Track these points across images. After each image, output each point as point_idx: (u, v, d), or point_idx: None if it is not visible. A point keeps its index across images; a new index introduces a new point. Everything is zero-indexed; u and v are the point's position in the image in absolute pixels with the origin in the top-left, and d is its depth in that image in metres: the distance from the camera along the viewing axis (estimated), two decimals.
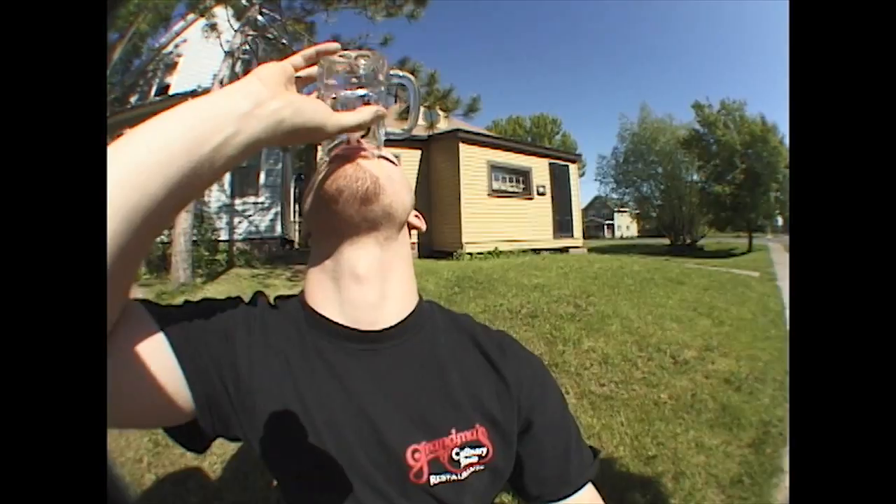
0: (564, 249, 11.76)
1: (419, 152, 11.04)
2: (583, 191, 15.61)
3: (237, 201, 9.88)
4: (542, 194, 12.02)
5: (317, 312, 0.56)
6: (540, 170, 12.15)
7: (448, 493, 0.51)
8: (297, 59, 0.50)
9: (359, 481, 0.49)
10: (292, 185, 12.07)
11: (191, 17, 8.82)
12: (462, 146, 10.36)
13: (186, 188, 0.39)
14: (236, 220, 9.80)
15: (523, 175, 11.80)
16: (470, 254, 9.83)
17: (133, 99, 10.66)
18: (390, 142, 0.62)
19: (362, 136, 0.58)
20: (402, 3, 6.85)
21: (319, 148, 0.59)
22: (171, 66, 10.64)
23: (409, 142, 10.55)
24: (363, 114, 0.50)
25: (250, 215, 10.12)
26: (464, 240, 9.98)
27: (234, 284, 6.61)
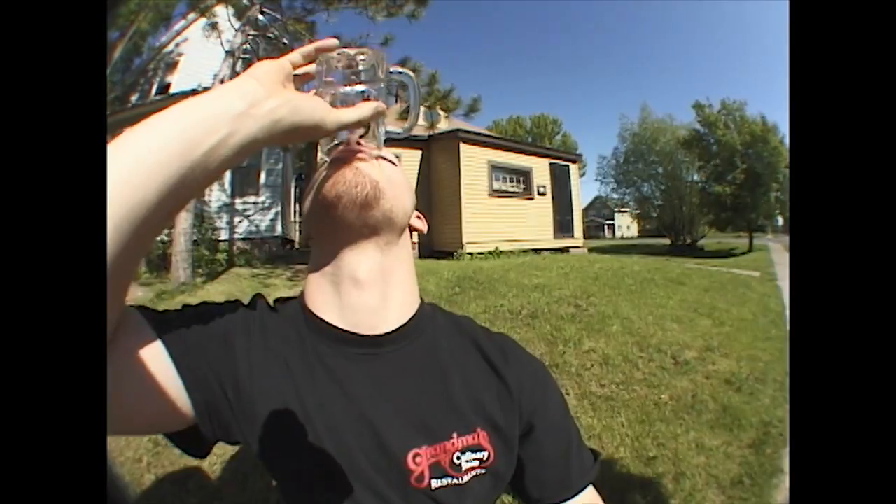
0: (565, 249, 11.75)
1: (420, 152, 11.04)
2: (583, 191, 15.63)
3: (237, 201, 9.87)
4: (543, 194, 12.02)
5: (317, 317, 0.55)
6: (540, 170, 12.15)
7: (449, 497, 0.51)
8: (295, 56, 0.49)
9: (360, 485, 0.49)
10: (293, 184, 12.07)
11: (191, 16, 8.82)
12: (463, 146, 10.35)
13: (181, 191, 0.38)
14: (237, 219, 9.80)
15: (524, 175, 11.80)
16: (470, 254, 9.82)
17: (134, 98, 10.67)
18: (390, 141, 0.61)
19: (362, 135, 0.56)
20: (403, 2, 6.85)
21: (319, 147, 0.58)
22: (171, 66, 10.65)
23: (409, 142, 10.55)
24: (363, 110, 0.49)
25: (251, 215, 10.12)
26: (464, 240, 9.98)
27: (235, 284, 6.61)
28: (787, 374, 3.47)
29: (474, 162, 10.56)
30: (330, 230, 0.56)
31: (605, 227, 47.85)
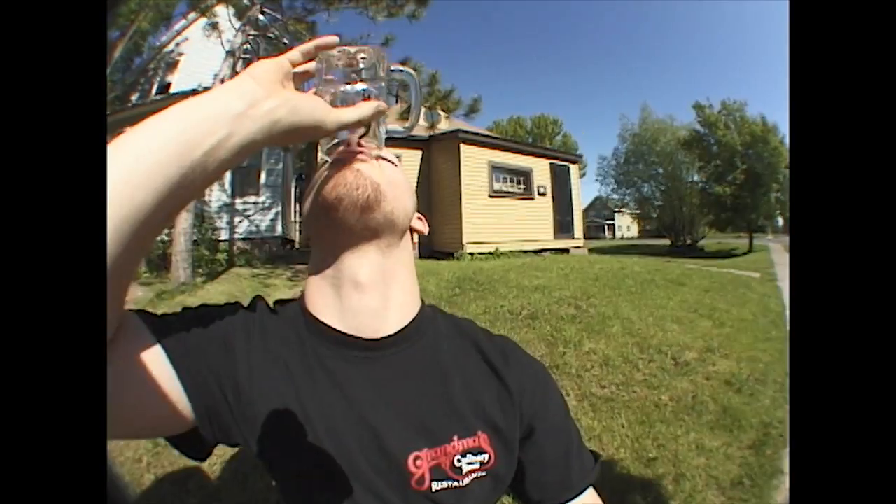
0: (565, 250, 11.75)
1: (420, 153, 11.04)
2: (583, 191, 15.61)
3: (238, 201, 9.88)
4: (543, 195, 12.02)
5: (317, 319, 0.55)
6: (541, 170, 12.14)
7: (450, 500, 0.51)
8: (294, 54, 0.48)
9: (360, 487, 0.49)
10: (293, 184, 12.08)
11: (192, 15, 8.84)
12: (463, 146, 10.35)
13: (179, 193, 0.37)
14: (237, 219, 9.80)
15: (524, 175, 11.80)
16: (471, 254, 9.82)
17: (134, 97, 10.69)
18: (391, 141, 0.60)
19: (363, 135, 0.55)
20: (404, 3, 6.85)
21: (319, 146, 0.57)
22: (172, 65, 10.67)
23: (409, 142, 10.56)
24: (363, 109, 0.48)
25: (251, 215, 10.12)
26: (464, 240, 9.97)
27: (235, 284, 6.61)
28: (787, 375, 3.47)
29: (474, 162, 10.56)
30: (330, 233, 0.56)
31: (606, 227, 47.88)
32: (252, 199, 10.20)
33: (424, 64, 7.37)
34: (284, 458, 0.50)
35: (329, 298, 0.55)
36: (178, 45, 10.54)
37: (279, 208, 10.57)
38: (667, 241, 25.29)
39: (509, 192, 11.41)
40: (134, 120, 0.37)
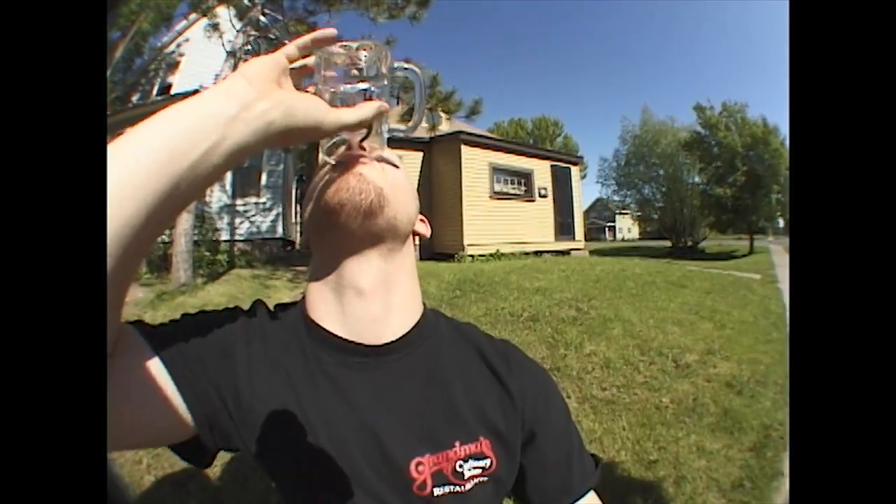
0: (566, 252, 11.76)
1: (421, 154, 11.06)
2: (584, 193, 15.58)
3: (238, 202, 9.91)
4: (544, 196, 12.03)
5: (318, 326, 0.54)
6: (542, 172, 12.16)
7: None
8: (290, 49, 0.46)
9: (362, 493, 0.49)
10: (294, 186, 12.10)
11: (193, 16, 8.86)
12: (464, 148, 10.37)
13: (169, 202, 0.36)
14: (237, 220, 9.83)
15: (525, 177, 11.81)
16: (471, 256, 9.83)
17: (135, 98, 10.71)
18: (392, 142, 0.58)
19: (364, 137, 0.53)
20: (405, 4, 6.88)
21: (319, 147, 0.55)
22: (173, 66, 10.69)
23: (411, 144, 10.58)
24: (365, 110, 0.46)
25: (252, 216, 10.14)
26: (465, 242, 9.98)
27: (235, 285, 6.62)
28: (787, 377, 3.46)
29: (475, 164, 10.58)
30: (332, 238, 0.54)
31: (607, 229, 47.93)
32: (253, 200, 10.22)
33: (425, 66, 7.38)
34: (286, 464, 0.50)
35: (330, 305, 0.55)
36: (178, 45, 10.56)
37: (280, 209, 10.58)
38: (668, 243, 25.31)
39: (510, 194, 11.43)
40: (134, 121, 0.37)
